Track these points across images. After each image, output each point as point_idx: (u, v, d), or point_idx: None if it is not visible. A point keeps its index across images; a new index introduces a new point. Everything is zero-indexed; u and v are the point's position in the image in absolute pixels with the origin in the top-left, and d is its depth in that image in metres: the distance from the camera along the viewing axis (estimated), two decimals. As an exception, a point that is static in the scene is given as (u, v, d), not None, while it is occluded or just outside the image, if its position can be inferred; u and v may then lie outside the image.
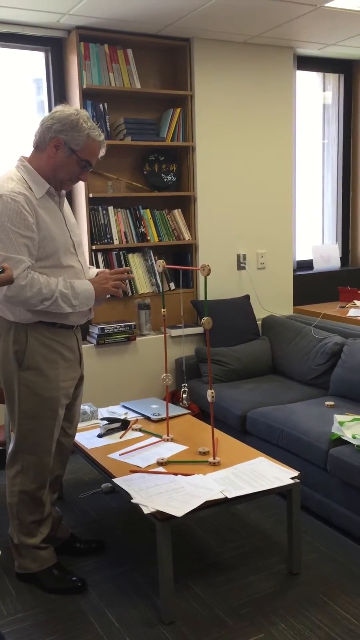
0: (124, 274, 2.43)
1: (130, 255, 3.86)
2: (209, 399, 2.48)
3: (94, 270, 2.54)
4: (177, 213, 3.99)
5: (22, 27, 3.48)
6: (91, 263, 3.69)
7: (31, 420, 2.33)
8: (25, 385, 2.30)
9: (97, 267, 3.73)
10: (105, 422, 2.97)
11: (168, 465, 2.54)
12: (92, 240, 3.70)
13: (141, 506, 2.20)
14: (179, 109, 3.86)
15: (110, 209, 3.76)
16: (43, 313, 2.27)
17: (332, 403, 3.27)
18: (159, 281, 3.89)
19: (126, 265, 3.82)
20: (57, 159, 2.26)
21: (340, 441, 2.78)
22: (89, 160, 2.29)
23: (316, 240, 4.87)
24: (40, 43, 3.63)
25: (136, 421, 3.05)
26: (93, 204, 3.71)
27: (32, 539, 2.41)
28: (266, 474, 2.42)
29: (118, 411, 3.20)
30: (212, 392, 2.47)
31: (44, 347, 2.31)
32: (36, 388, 2.30)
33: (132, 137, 3.71)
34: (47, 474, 2.40)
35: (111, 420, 2.98)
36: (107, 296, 2.47)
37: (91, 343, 3.72)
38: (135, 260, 3.89)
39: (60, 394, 2.35)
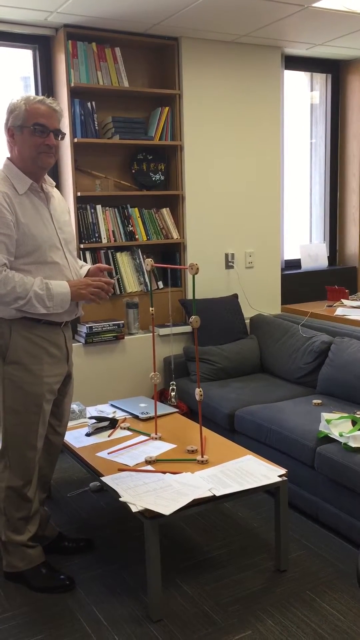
0: (105, 281, 2.41)
1: (118, 254, 3.86)
2: (197, 397, 2.48)
3: (84, 270, 2.54)
4: (166, 212, 3.99)
5: (10, 25, 3.47)
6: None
7: (15, 414, 2.33)
8: (9, 380, 2.31)
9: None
10: (94, 420, 2.97)
11: (156, 463, 2.55)
12: (80, 239, 3.70)
13: (129, 504, 2.20)
14: (167, 108, 3.86)
15: (99, 207, 3.76)
16: (27, 312, 2.27)
17: (319, 401, 3.29)
18: (147, 280, 3.89)
19: (114, 264, 3.82)
20: (17, 145, 2.30)
21: (327, 439, 2.80)
22: (38, 122, 2.25)
23: (304, 240, 4.89)
24: (28, 41, 3.62)
25: (124, 420, 3.05)
26: (81, 202, 3.70)
27: (19, 536, 2.41)
28: (254, 472, 2.43)
29: (106, 410, 3.20)
30: (200, 391, 2.48)
31: (28, 343, 2.31)
32: (20, 382, 2.31)
33: (121, 135, 3.71)
34: (33, 470, 2.39)
35: (99, 419, 2.98)
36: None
37: (79, 342, 3.71)
38: (123, 259, 3.88)
39: (44, 389, 2.35)
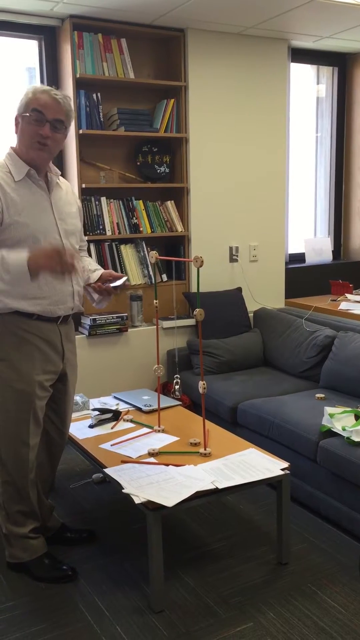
0: (70, 254, 2.06)
1: (122, 247, 3.86)
2: (201, 390, 2.48)
3: (97, 274, 2.49)
4: (170, 204, 3.98)
5: (16, 15, 3.45)
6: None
7: (6, 411, 2.30)
8: None
9: (90, 257, 3.71)
10: (97, 412, 2.98)
11: (159, 455, 2.55)
12: (85, 231, 3.69)
13: (132, 496, 2.21)
14: (172, 100, 3.84)
15: (103, 199, 3.75)
16: (17, 301, 2.22)
17: (322, 395, 3.29)
18: (151, 273, 3.89)
19: (118, 257, 3.82)
20: (19, 133, 2.26)
21: (330, 433, 2.80)
22: (36, 108, 2.19)
23: (308, 234, 4.88)
24: (34, 31, 3.61)
25: (127, 412, 3.06)
26: (86, 194, 3.70)
27: (20, 528, 2.41)
28: (256, 465, 2.43)
29: (109, 402, 3.21)
30: (203, 384, 2.48)
31: (17, 339, 2.27)
32: (8, 380, 2.27)
33: (126, 127, 3.70)
34: (27, 467, 2.35)
35: (103, 411, 2.98)
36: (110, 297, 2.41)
37: (83, 334, 3.71)
38: (127, 251, 3.88)
39: (35, 387, 2.29)
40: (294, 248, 4.72)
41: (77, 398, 3.09)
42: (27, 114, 2.21)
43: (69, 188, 2.48)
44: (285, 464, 2.45)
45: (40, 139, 2.22)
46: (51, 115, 2.21)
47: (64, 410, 2.53)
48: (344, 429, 2.75)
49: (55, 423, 2.51)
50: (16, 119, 2.27)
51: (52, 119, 2.22)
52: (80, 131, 3.58)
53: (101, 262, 3.77)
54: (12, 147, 2.31)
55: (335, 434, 2.78)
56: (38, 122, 2.21)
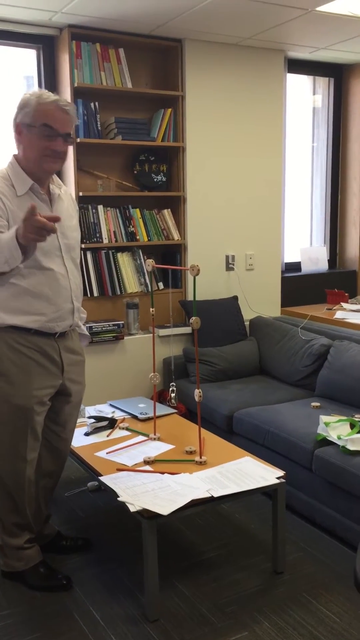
0: (49, 218, 1.91)
1: (119, 255, 3.87)
2: (197, 398, 2.49)
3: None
4: (167, 213, 4.00)
5: (14, 25, 3.48)
6: (80, 262, 3.68)
7: (3, 426, 2.28)
8: None
9: (86, 265, 3.73)
10: (93, 420, 2.98)
11: (155, 464, 2.55)
12: (82, 239, 3.68)
13: (127, 504, 2.21)
14: (169, 110, 3.87)
15: (100, 208, 3.77)
16: (14, 317, 2.21)
17: (318, 404, 3.29)
18: (147, 281, 3.90)
19: (115, 265, 3.82)
20: (23, 143, 2.19)
21: (325, 442, 2.81)
22: (46, 123, 2.12)
23: (304, 243, 4.90)
24: (32, 41, 3.63)
25: (123, 420, 3.06)
26: (83, 202, 3.71)
27: (15, 539, 2.40)
28: (252, 473, 2.44)
29: (105, 410, 3.21)
30: (199, 392, 2.49)
31: (14, 353, 2.23)
32: (5, 395, 2.24)
33: (123, 136, 3.72)
34: (25, 481, 2.34)
35: (98, 419, 2.98)
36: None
37: (79, 341, 3.71)
38: (124, 259, 3.89)
39: (33, 402, 2.26)
40: (290, 257, 4.74)
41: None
42: (35, 127, 2.14)
43: (70, 200, 2.43)
44: (281, 473, 2.45)
45: (52, 153, 2.17)
46: (63, 129, 2.16)
47: (64, 419, 2.50)
48: (339, 438, 2.76)
49: (57, 433, 2.49)
50: (18, 126, 2.18)
51: (63, 132, 2.17)
52: (78, 140, 3.60)
53: (98, 270, 3.78)
54: (15, 156, 2.24)
55: (331, 443, 2.79)
56: (49, 137, 2.15)
